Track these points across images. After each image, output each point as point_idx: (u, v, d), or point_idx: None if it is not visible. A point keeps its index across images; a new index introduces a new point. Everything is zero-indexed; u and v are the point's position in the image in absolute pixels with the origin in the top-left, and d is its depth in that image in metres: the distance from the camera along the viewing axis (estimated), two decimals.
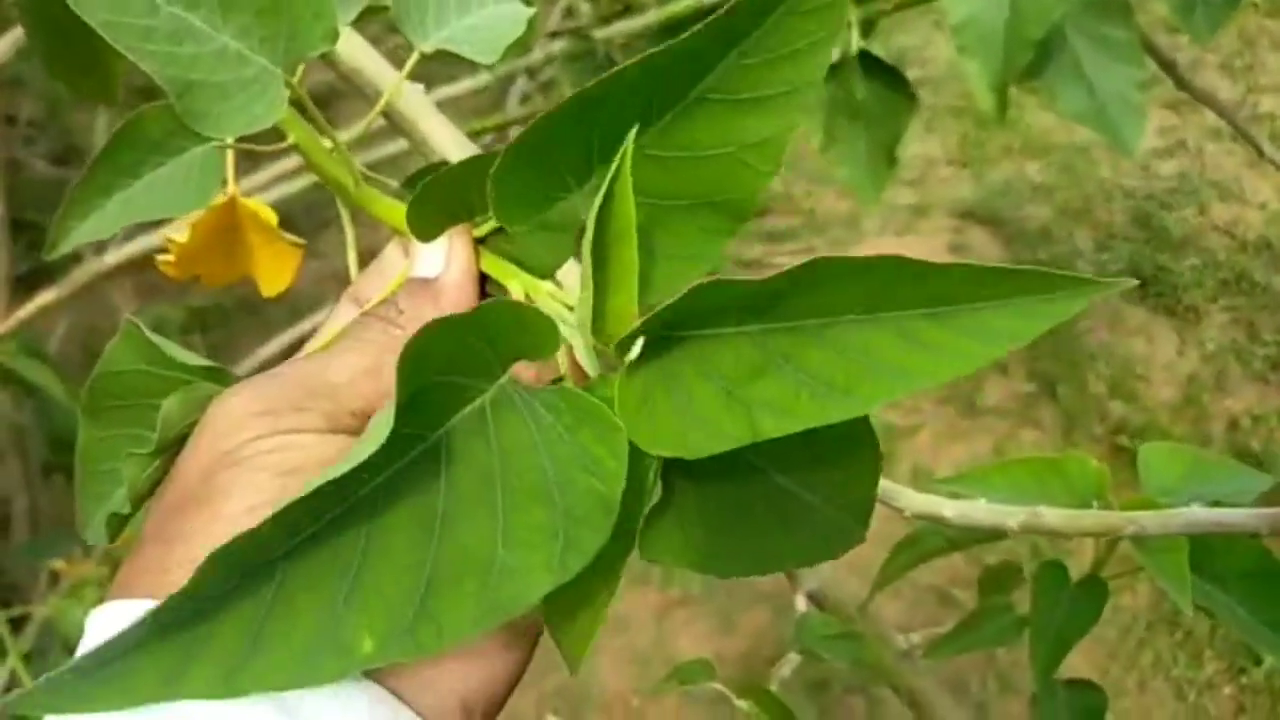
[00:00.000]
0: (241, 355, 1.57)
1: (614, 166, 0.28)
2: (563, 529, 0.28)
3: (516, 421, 0.30)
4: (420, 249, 0.36)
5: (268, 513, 0.28)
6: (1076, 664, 1.68)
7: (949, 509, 0.56)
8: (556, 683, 1.71)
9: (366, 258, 0.40)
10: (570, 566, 0.28)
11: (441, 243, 0.36)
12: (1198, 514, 0.51)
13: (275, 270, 0.49)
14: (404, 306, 0.35)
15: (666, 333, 0.29)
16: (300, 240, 0.49)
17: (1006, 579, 0.76)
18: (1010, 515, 0.55)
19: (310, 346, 0.37)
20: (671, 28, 1.06)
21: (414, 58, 0.43)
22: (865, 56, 1.00)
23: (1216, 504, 0.57)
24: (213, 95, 0.34)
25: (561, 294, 0.34)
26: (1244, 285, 2.28)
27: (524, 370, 0.33)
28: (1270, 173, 2.43)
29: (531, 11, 0.46)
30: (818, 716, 1.66)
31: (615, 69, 0.29)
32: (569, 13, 1.74)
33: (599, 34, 1.10)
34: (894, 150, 1.01)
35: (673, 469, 0.32)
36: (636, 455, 0.29)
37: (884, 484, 0.56)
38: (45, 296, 1.39)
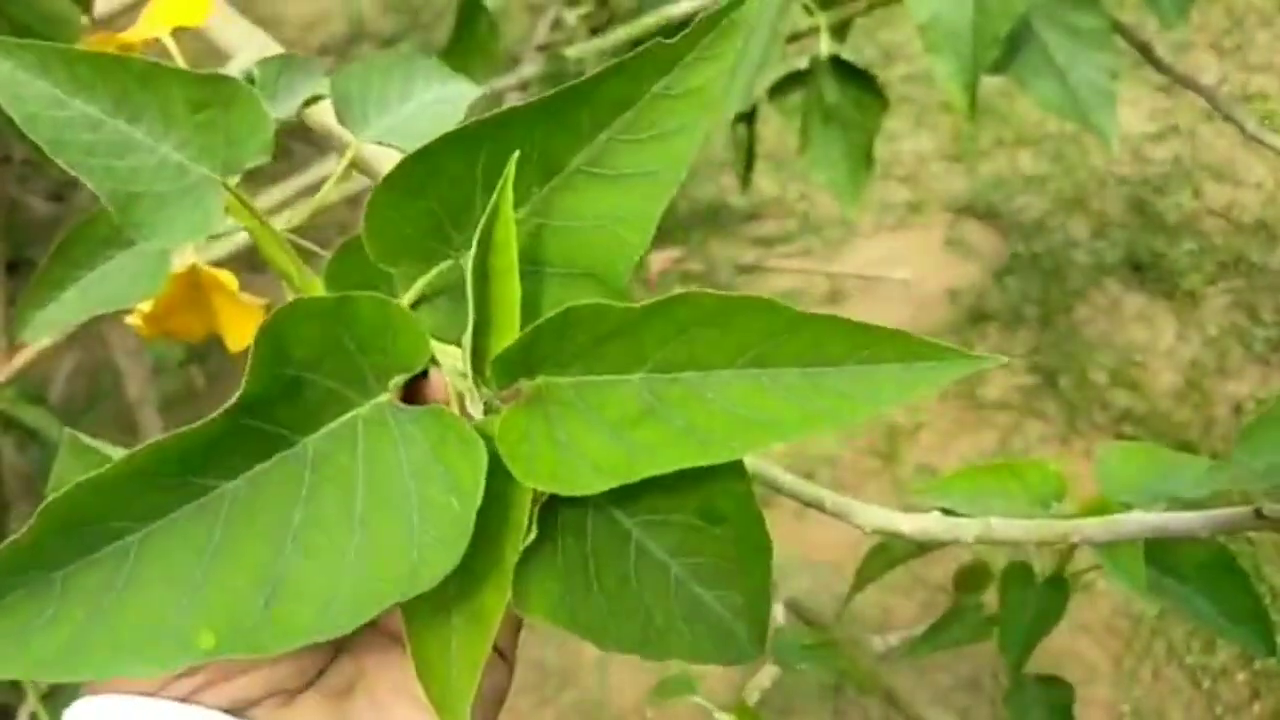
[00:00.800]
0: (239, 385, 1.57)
1: (494, 197, 0.29)
2: (418, 547, 0.28)
3: (387, 441, 0.30)
4: None
5: None
6: (1092, 656, 1.68)
7: (905, 524, 0.57)
8: (573, 698, 1.71)
9: None
10: (419, 584, 0.28)
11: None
12: (1141, 519, 0.53)
13: (240, 327, 0.52)
14: None
15: (551, 374, 0.30)
16: (260, 301, 0.51)
17: (978, 579, 0.77)
18: (965, 529, 0.56)
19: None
20: (639, 43, 1.07)
21: (350, 152, 0.43)
22: (835, 61, 1.00)
23: (1174, 499, 0.58)
24: (153, 205, 0.35)
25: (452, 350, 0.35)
26: (1242, 267, 2.27)
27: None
28: (1265, 153, 2.42)
29: (476, 93, 0.47)
30: (831, 717, 1.66)
31: (498, 119, 0.29)
32: (557, 24, 1.75)
33: (571, 53, 1.10)
34: (870, 151, 1.02)
35: (564, 525, 0.32)
36: (512, 488, 0.29)
37: (841, 500, 0.57)
38: (44, 340, 1.40)
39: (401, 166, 0.31)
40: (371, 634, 0.33)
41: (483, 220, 0.29)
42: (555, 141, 0.31)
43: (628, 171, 0.32)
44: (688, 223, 2.54)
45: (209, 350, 2.26)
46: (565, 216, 0.32)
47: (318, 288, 0.38)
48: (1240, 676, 1.64)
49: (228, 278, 0.50)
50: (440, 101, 0.46)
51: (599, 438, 0.29)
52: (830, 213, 2.53)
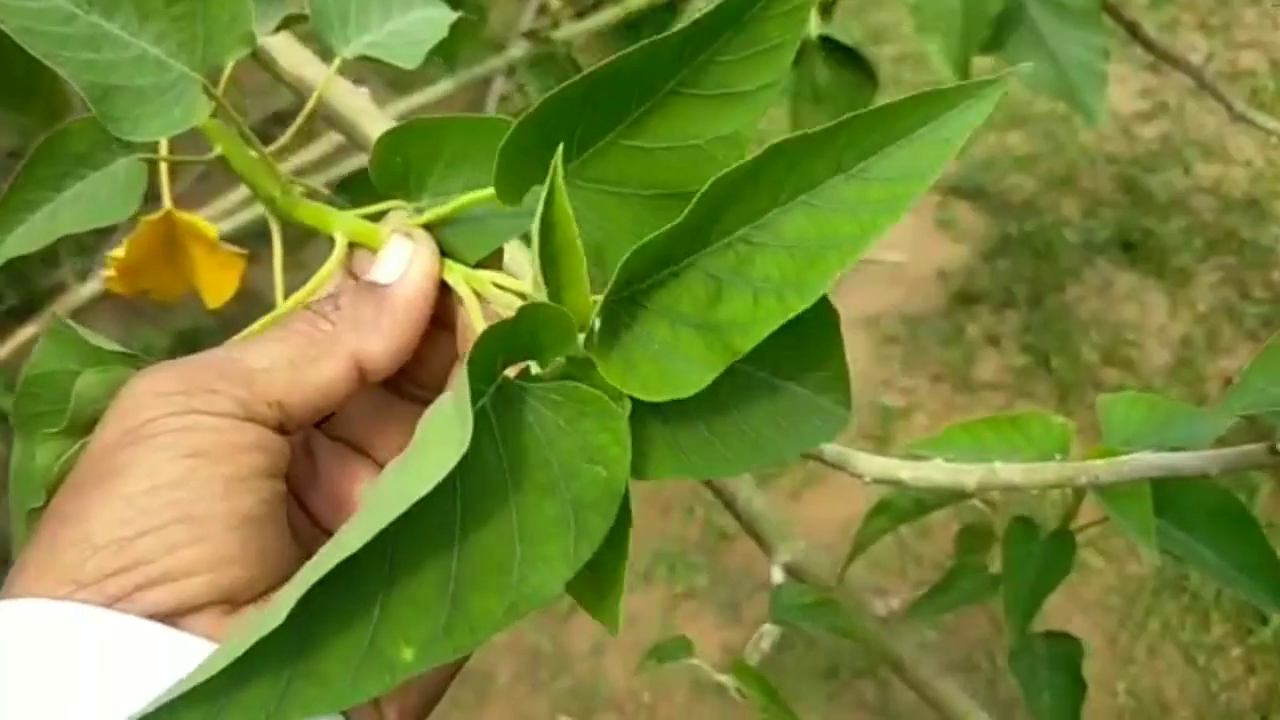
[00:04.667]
0: None
1: (548, 185, 0.29)
2: (573, 518, 0.29)
3: (518, 419, 0.30)
4: (383, 254, 0.35)
5: (171, 495, 0.28)
6: (1087, 635, 1.68)
7: (906, 471, 0.57)
8: (568, 684, 1.71)
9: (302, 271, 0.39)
10: (583, 554, 0.29)
11: (403, 250, 0.35)
12: (1149, 459, 0.51)
13: (218, 281, 0.50)
14: (343, 304, 0.34)
15: (617, 297, 0.30)
16: (241, 250, 0.49)
17: (980, 539, 0.76)
18: (967, 474, 0.55)
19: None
20: (631, 25, 1.06)
21: (336, 62, 0.43)
22: (825, 41, 1.00)
23: (1176, 450, 0.56)
24: (131, 100, 0.34)
25: (508, 281, 0.34)
26: (1232, 244, 2.27)
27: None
28: (1253, 129, 2.42)
29: (454, 16, 0.46)
30: (826, 702, 1.66)
31: (604, 62, 0.30)
32: (542, 10, 1.74)
33: (558, 35, 1.09)
34: None
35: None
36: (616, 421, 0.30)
37: (841, 450, 0.57)
38: (26, 331, 1.39)
39: (529, 115, 0.31)
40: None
41: (542, 202, 0.29)
42: (653, 65, 0.31)
43: (727, 90, 0.32)
44: None
45: (196, 339, 2.25)
46: (658, 138, 0.32)
47: (308, 211, 0.38)
48: (1235, 652, 1.65)
49: (206, 225, 0.48)
50: (422, 21, 0.46)
51: (690, 334, 0.30)
52: None
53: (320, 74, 0.61)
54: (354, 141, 0.62)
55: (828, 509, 1.76)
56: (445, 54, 1.05)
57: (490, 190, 0.33)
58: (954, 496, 0.67)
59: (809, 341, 0.33)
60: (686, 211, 0.29)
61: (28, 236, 0.43)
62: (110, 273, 0.48)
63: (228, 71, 0.37)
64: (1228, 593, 1.71)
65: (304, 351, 0.33)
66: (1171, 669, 1.65)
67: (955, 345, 2.16)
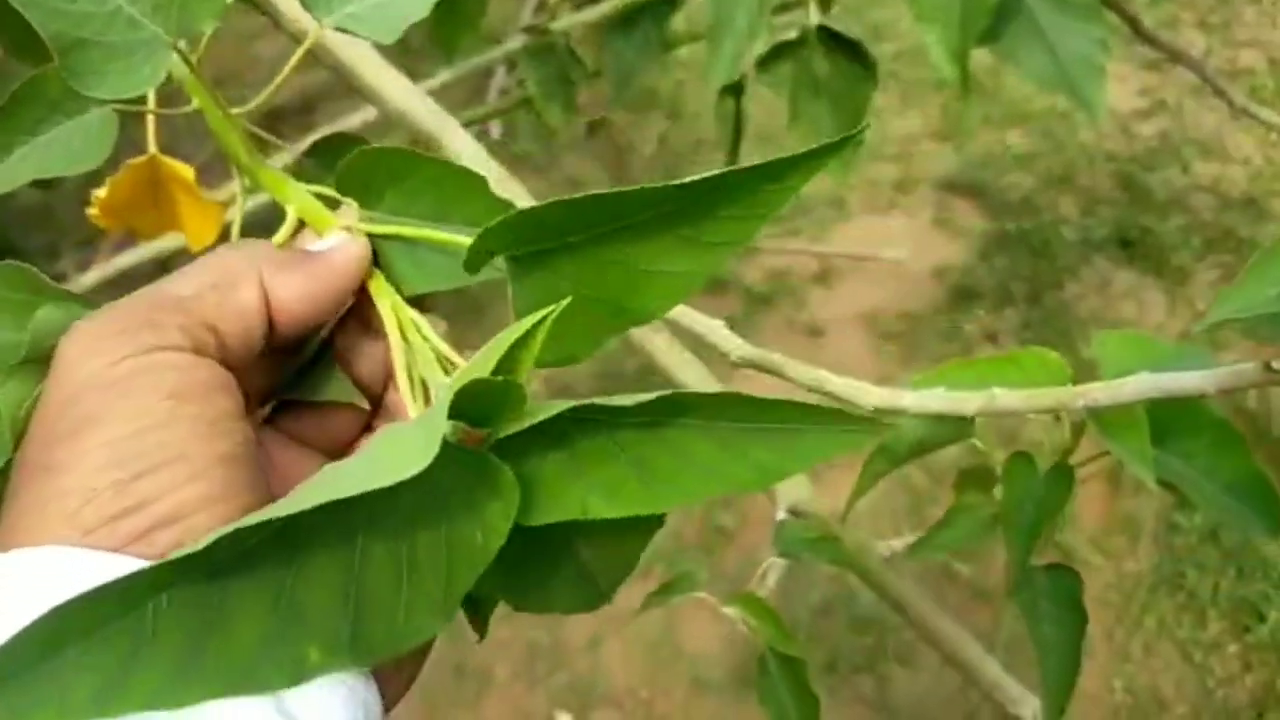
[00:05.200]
0: None
1: (525, 331, 0.31)
2: (446, 575, 0.30)
3: (425, 481, 0.31)
4: (324, 235, 0.37)
5: (159, 436, 0.28)
6: None
7: (908, 400, 0.58)
8: (565, 679, 1.71)
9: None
10: (451, 610, 0.30)
11: (342, 238, 0.36)
12: (1146, 380, 0.51)
13: (200, 226, 0.51)
14: (264, 248, 0.35)
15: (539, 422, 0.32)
16: (220, 198, 0.51)
17: (980, 480, 0.76)
18: (967, 401, 0.56)
19: None
20: (628, 17, 1.06)
21: (315, 31, 0.42)
22: (824, 32, 1.00)
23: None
24: (100, 55, 0.34)
25: (429, 333, 0.36)
26: (1230, 242, 2.27)
27: None
28: (1252, 128, 2.42)
29: None
30: (825, 696, 1.66)
31: (614, 190, 0.32)
32: (541, 5, 1.74)
33: (557, 26, 1.09)
34: (859, 124, 1.00)
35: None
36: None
37: (844, 382, 0.58)
38: None
39: (540, 211, 0.33)
40: None
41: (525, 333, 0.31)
42: (657, 199, 0.33)
43: (704, 238, 0.34)
44: None
45: None
46: (628, 255, 0.34)
47: (269, 176, 0.39)
48: (1232, 649, 1.65)
49: (185, 170, 0.50)
50: None
51: (561, 479, 0.32)
52: (819, 192, 2.52)
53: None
54: (354, 89, 0.63)
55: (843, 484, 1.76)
56: (444, 45, 1.05)
57: (446, 235, 0.36)
58: (953, 433, 0.68)
59: (632, 533, 0.35)
60: (635, 408, 0.31)
61: (3, 175, 0.43)
62: (94, 210, 0.50)
63: (204, 41, 0.38)
64: (1224, 590, 1.71)
65: (223, 277, 0.33)
66: (1168, 666, 1.65)
67: (953, 342, 2.16)
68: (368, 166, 0.37)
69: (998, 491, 0.71)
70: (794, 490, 0.80)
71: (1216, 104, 2.46)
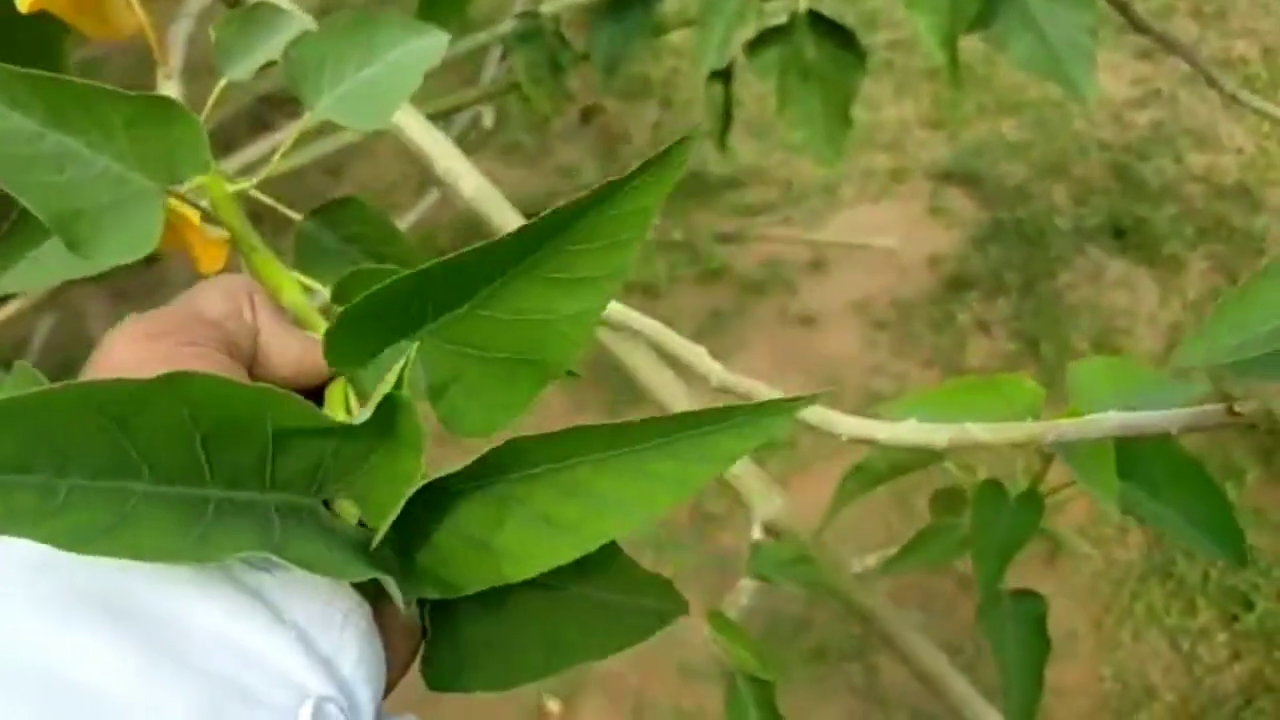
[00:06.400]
0: None
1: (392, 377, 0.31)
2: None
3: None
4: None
5: None
6: (1072, 618, 1.68)
7: (881, 431, 0.59)
8: None
9: None
10: None
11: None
12: (1112, 418, 0.53)
13: (207, 255, 0.51)
14: (263, 298, 0.38)
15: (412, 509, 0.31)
16: (226, 235, 0.50)
17: (953, 501, 0.79)
18: (939, 433, 0.57)
19: None
20: (616, 2, 1.05)
21: (302, 121, 0.43)
22: (814, 16, 0.99)
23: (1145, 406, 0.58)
24: (92, 221, 0.36)
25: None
26: (1223, 232, 2.27)
27: None
28: (1245, 117, 2.42)
29: (444, 44, 0.45)
30: (813, 685, 1.66)
31: (462, 250, 0.32)
32: None
33: (546, 10, 1.08)
34: (848, 110, 1.00)
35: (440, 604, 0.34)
36: None
37: (819, 411, 0.59)
38: (11, 306, 1.38)
39: (366, 299, 0.33)
40: None
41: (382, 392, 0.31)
42: (502, 253, 0.33)
43: (576, 276, 0.34)
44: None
45: None
46: (509, 312, 0.34)
47: (267, 265, 0.40)
48: (1220, 638, 1.65)
49: (191, 213, 0.50)
50: (403, 60, 0.45)
51: (469, 550, 0.32)
52: (812, 181, 2.52)
53: None
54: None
55: (815, 492, 1.76)
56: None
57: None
58: (928, 458, 0.69)
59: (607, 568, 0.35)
60: (479, 461, 0.31)
61: (33, 271, 0.44)
62: None
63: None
64: (1214, 578, 1.71)
65: (239, 302, 0.36)
66: (1157, 654, 1.65)
67: (946, 331, 2.16)
68: (360, 285, 0.38)
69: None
70: (767, 505, 0.81)
71: (1210, 93, 2.45)
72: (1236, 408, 0.47)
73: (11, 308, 1.35)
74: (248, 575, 0.28)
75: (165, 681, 0.25)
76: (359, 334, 0.34)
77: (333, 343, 0.34)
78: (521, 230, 0.32)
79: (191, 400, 0.27)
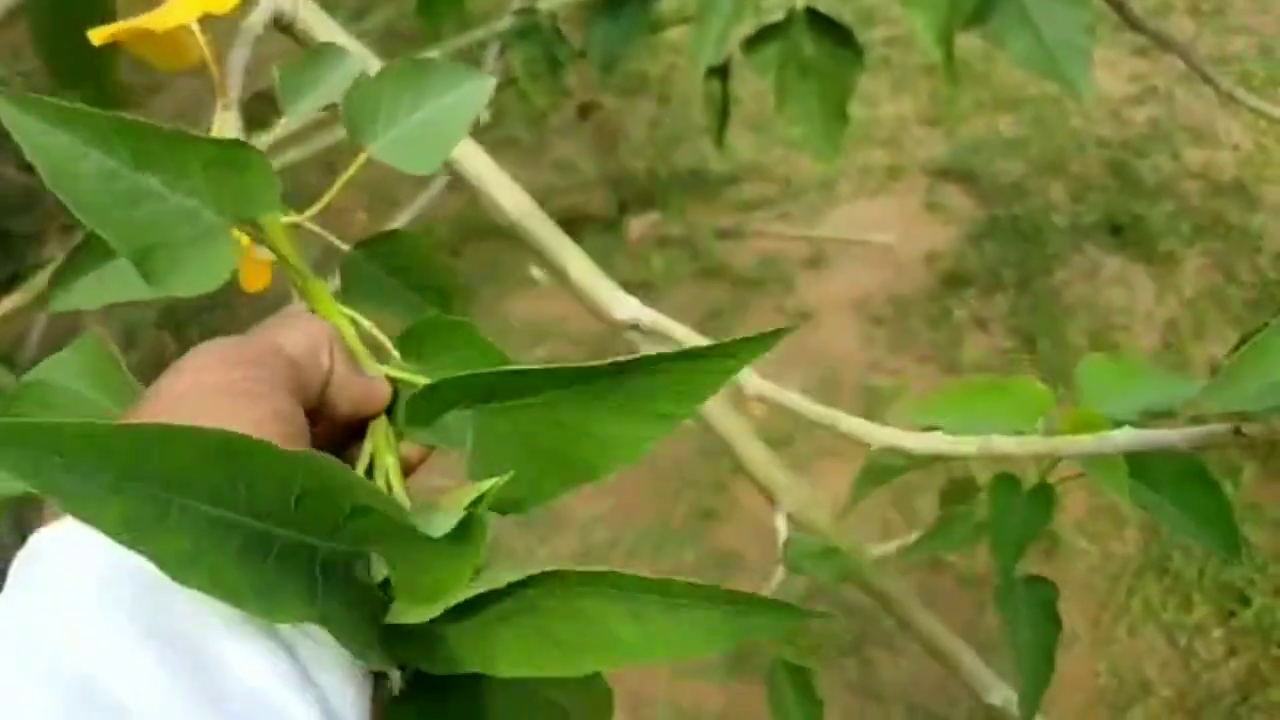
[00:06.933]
0: None
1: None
2: None
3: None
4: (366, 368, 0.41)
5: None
6: (1069, 613, 1.68)
7: (911, 441, 0.63)
8: None
9: None
10: None
11: (381, 379, 0.41)
12: (1127, 436, 0.57)
13: (252, 274, 0.52)
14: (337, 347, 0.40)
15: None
16: (270, 257, 0.51)
17: (964, 492, 0.83)
18: (967, 444, 0.62)
19: None
20: None
21: (360, 159, 0.45)
22: (812, 13, 0.99)
23: (1149, 413, 0.66)
24: (167, 255, 0.38)
25: (396, 482, 0.39)
26: (1219, 228, 2.28)
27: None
28: (1242, 114, 2.42)
29: (490, 88, 0.47)
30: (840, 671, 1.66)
31: (551, 367, 0.35)
32: None
33: (544, 5, 1.09)
34: (845, 106, 1.01)
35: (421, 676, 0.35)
36: None
37: (852, 421, 0.62)
38: (10, 301, 1.38)
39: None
40: None
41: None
42: (588, 375, 0.36)
43: (645, 409, 0.36)
44: (667, 187, 2.52)
45: (181, 317, 2.24)
46: (573, 420, 0.37)
47: (322, 298, 0.42)
48: (1217, 634, 1.65)
49: (239, 234, 0.51)
50: (453, 105, 0.48)
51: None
52: (810, 177, 2.52)
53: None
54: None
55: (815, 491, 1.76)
56: (428, 25, 1.05)
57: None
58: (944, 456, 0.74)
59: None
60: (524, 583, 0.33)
61: (96, 287, 0.46)
62: None
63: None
64: (1210, 574, 1.71)
65: (315, 348, 0.38)
66: (1153, 650, 1.66)
67: (942, 328, 2.17)
68: (427, 332, 0.42)
69: (982, 498, 0.78)
70: (794, 493, 0.85)
71: (1207, 90, 2.46)
72: (1244, 430, 0.51)
73: (9, 303, 1.35)
74: (285, 628, 0.30)
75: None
76: (434, 402, 0.37)
77: (413, 408, 0.38)
78: (612, 364, 0.35)
79: (289, 469, 0.30)
